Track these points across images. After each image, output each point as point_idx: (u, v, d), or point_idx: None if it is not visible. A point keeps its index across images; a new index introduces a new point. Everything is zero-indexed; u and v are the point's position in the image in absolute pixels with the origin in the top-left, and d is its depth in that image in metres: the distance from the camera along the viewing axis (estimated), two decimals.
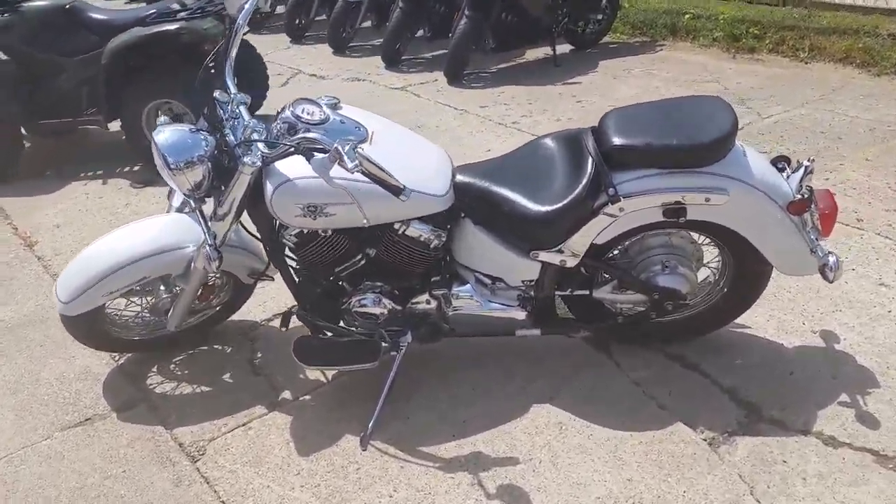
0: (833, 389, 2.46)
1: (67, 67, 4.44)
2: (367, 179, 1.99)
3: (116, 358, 2.84)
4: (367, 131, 2.27)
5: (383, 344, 2.46)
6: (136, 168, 4.70)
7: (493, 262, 2.40)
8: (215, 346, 2.90)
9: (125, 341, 2.69)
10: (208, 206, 2.35)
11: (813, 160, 2.35)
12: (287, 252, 2.40)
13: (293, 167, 2.15)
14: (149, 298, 2.64)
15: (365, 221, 2.20)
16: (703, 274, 2.63)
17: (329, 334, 2.51)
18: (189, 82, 4.24)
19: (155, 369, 2.78)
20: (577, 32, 6.58)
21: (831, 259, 2.20)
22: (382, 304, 2.43)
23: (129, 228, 2.53)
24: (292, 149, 2.06)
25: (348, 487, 2.22)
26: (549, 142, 2.39)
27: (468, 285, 2.43)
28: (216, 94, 2.27)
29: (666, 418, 2.40)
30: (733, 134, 2.19)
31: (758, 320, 2.80)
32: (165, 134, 2.18)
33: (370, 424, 2.37)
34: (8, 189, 4.47)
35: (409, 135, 2.47)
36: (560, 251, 2.30)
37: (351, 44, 7.26)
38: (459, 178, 2.33)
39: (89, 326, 2.53)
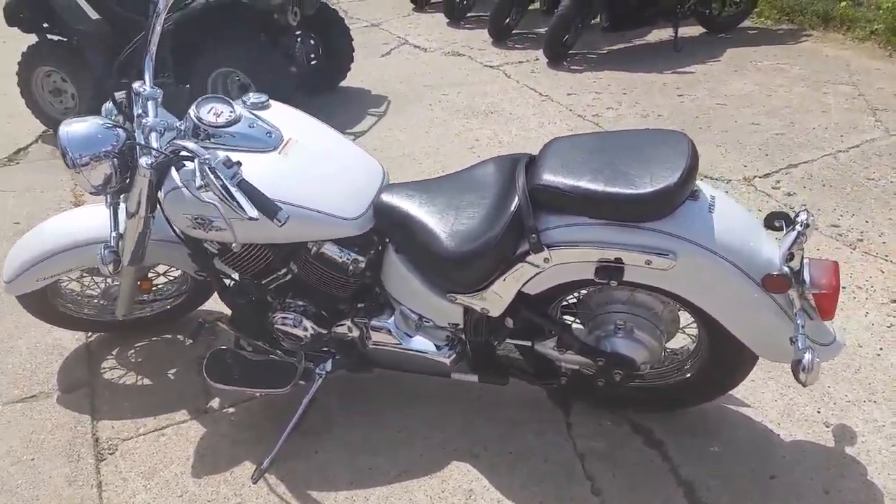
0: None
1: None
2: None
3: (89, 336, 2.85)
4: (279, 138, 2.04)
5: (300, 369, 2.25)
6: None
7: (415, 298, 2.10)
8: (178, 336, 2.83)
9: (78, 319, 2.67)
10: None
11: (812, 216, 1.81)
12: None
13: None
14: (99, 281, 2.60)
15: (233, 241, 1.98)
16: (680, 342, 2.17)
17: (249, 350, 2.33)
18: (253, 52, 4.21)
19: (114, 353, 2.76)
20: (710, 14, 5.82)
21: (806, 358, 1.68)
22: (304, 325, 2.22)
23: (80, 212, 2.49)
24: (163, 157, 1.86)
25: None
26: (491, 166, 2.03)
27: (392, 319, 2.15)
28: (135, 84, 2.11)
29: None
30: (684, 185, 1.72)
31: (763, 398, 2.30)
32: (72, 126, 2.05)
33: (268, 458, 2.19)
34: None
35: (338, 145, 2.19)
36: (481, 297, 1.96)
37: (515, 31, 6.25)
38: (384, 198, 2.04)
39: (38, 304, 2.53)
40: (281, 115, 2.14)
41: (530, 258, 1.84)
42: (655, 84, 4.98)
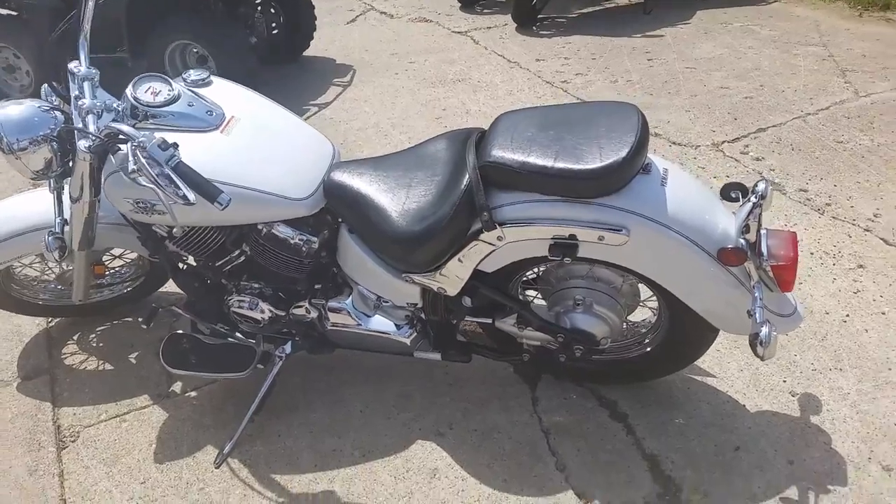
0: (782, 479, 1.96)
1: (103, 5, 4.38)
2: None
3: (49, 321, 2.80)
4: (221, 116, 1.97)
5: (259, 352, 2.22)
6: None
7: (371, 278, 2.07)
8: (139, 319, 2.78)
9: (34, 305, 2.61)
10: None
11: (770, 185, 1.80)
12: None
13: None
14: (53, 266, 2.54)
15: (175, 224, 1.93)
16: (641, 315, 2.17)
17: (207, 334, 2.29)
18: (209, 24, 4.09)
19: (75, 338, 2.72)
20: None
21: (763, 331, 1.67)
22: (260, 307, 2.18)
23: (27, 196, 2.41)
24: (99, 141, 1.79)
25: None
26: (442, 142, 1.99)
27: (349, 299, 2.12)
28: (70, 65, 2.02)
29: (558, 484, 2.02)
30: (633, 159, 1.69)
31: (729, 368, 2.31)
32: (7, 109, 1.97)
33: (230, 442, 2.17)
34: None
35: (285, 122, 2.12)
36: (436, 277, 1.93)
37: None
38: (334, 177, 1.99)
39: None
40: (223, 92, 2.07)
41: (483, 236, 1.81)
42: (625, 48, 4.92)
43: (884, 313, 2.47)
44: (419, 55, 5.11)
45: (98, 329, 2.75)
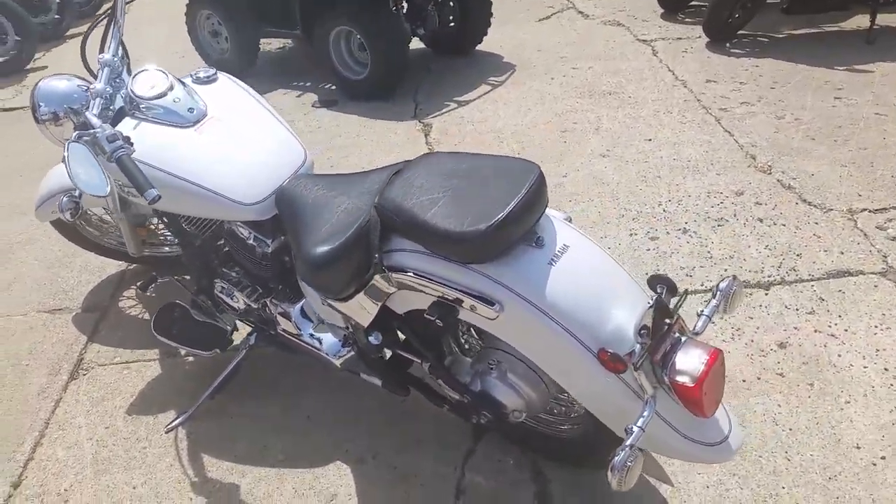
0: None
1: None
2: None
3: (129, 266, 3.16)
4: (200, 115, 2.06)
5: (228, 337, 2.33)
6: (330, 87, 4.94)
7: (309, 293, 2.06)
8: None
9: (102, 247, 2.95)
10: None
11: (734, 284, 1.49)
12: None
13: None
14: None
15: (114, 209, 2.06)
16: None
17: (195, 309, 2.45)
18: (370, 13, 4.26)
19: (137, 284, 3.02)
20: None
21: (619, 456, 1.39)
22: (235, 296, 2.28)
23: None
24: (80, 126, 1.95)
25: (119, 459, 2.23)
26: (386, 171, 1.89)
27: (297, 307, 2.13)
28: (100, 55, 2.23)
29: None
30: (504, 228, 1.47)
31: (695, 481, 1.96)
32: (49, 82, 2.24)
33: (184, 414, 2.31)
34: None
35: (262, 128, 2.12)
36: (348, 306, 1.87)
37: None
38: (287, 188, 1.99)
39: (67, 229, 2.85)
40: (218, 92, 2.15)
41: (376, 278, 1.71)
42: (815, 81, 4.23)
43: None
44: (586, 61, 4.86)
45: (160, 281, 3.03)
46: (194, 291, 2.43)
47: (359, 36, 4.50)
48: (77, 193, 2.25)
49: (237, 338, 2.40)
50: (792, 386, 2.21)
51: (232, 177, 1.98)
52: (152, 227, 2.75)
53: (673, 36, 5.19)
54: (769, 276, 2.67)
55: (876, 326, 2.38)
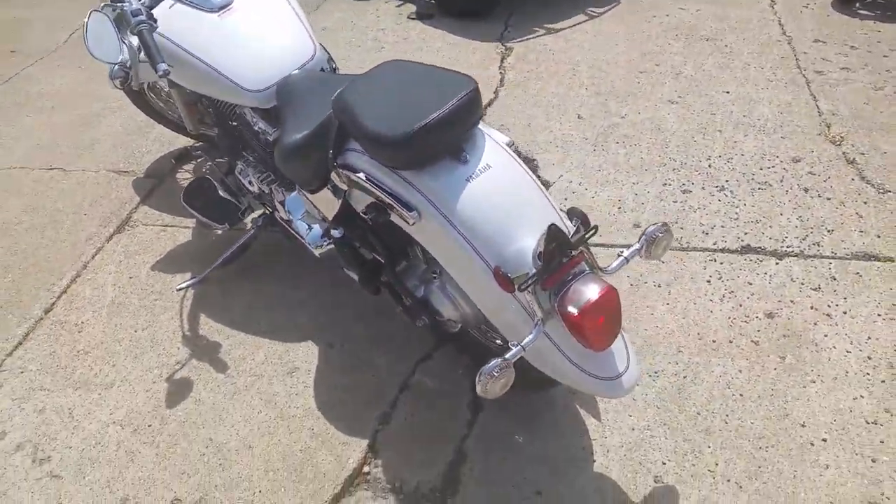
0: None
1: None
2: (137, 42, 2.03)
3: (196, 142, 3.44)
4: (225, 4, 2.20)
5: (239, 215, 2.54)
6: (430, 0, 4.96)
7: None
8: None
9: (167, 119, 3.22)
10: None
11: (661, 231, 1.53)
12: None
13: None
14: None
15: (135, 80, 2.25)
16: None
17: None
18: None
19: (198, 161, 3.31)
20: None
21: (486, 367, 1.47)
22: (250, 178, 2.47)
23: None
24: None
25: (132, 305, 2.54)
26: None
27: (292, 195, 2.29)
28: None
29: (363, 435, 2.03)
30: (424, 136, 1.52)
31: (612, 438, 1.99)
32: None
33: (195, 278, 2.57)
34: None
35: (279, 22, 2.24)
36: (317, 198, 2.01)
37: None
38: (288, 80, 2.12)
39: (138, 98, 3.12)
40: None
41: (332, 175, 1.82)
42: None
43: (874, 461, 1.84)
44: (697, 3, 4.59)
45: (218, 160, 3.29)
46: (223, 170, 2.64)
47: None
48: (128, 64, 2.49)
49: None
50: (762, 355, 2.15)
51: (240, 63, 2.13)
52: (200, 107, 2.97)
53: None
54: (787, 247, 2.55)
55: (879, 315, 2.25)
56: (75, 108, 3.86)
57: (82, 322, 2.48)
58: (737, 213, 2.73)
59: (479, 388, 1.47)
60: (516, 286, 1.47)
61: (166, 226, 2.92)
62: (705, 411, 2.00)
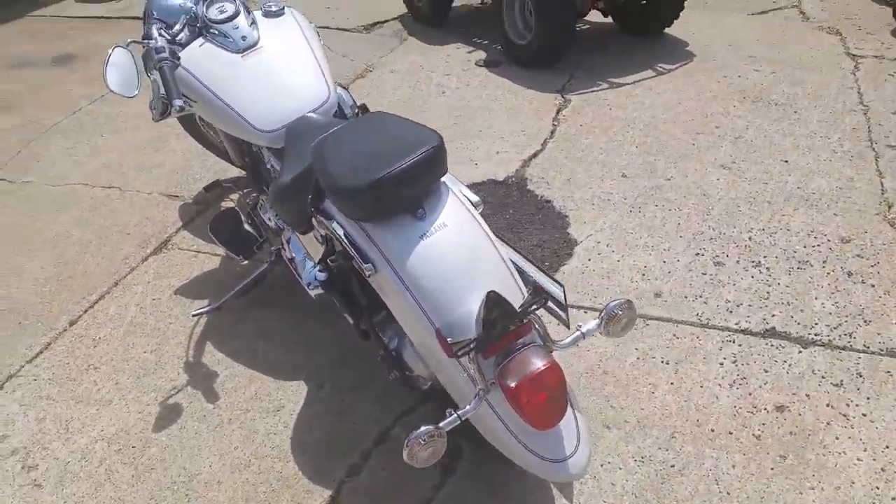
0: None
1: None
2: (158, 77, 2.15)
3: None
4: (251, 44, 2.29)
5: (256, 248, 2.61)
6: (498, 48, 4.99)
7: None
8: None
9: (216, 148, 3.34)
10: None
11: (623, 308, 1.46)
12: None
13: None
14: None
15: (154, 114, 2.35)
16: None
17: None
18: None
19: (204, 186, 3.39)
20: None
21: (416, 431, 1.43)
22: (267, 214, 2.54)
23: None
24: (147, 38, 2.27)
25: (147, 326, 2.64)
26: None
27: (296, 234, 2.33)
28: None
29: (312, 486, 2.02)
30: (376, 189, 1.52)
31: None
32: None
33: (211, 305, 2.65)
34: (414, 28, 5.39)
35: (300, 65, 2.29)
36: (306, 238, 2.04)
37: None
38: (298, 123, 2.16)
39: (189, 125, 3.27)
40: (277, 27, 2.36)
41: (313, 220, 1.84)
42: None
43: None
44: (773, 65, 4.41)
45: (249, 193, 3.39)
46: (252, 204, 2.72)
47: (528, 1, 4.49)
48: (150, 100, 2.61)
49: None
50: (761, 452, 2.00)
51: (255, 103, 2.21)
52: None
53: (891, 56, 4.52)
54: (815, 334, 2.37)
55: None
56: (147, 131, 4.08)
57: (100, 338, 2.60)
58: (768, 293, 2.57)
59: (405, 455, 1.43)
60: (455, 351, 1.43)
61: (198, 252, 3.03)
62: None
